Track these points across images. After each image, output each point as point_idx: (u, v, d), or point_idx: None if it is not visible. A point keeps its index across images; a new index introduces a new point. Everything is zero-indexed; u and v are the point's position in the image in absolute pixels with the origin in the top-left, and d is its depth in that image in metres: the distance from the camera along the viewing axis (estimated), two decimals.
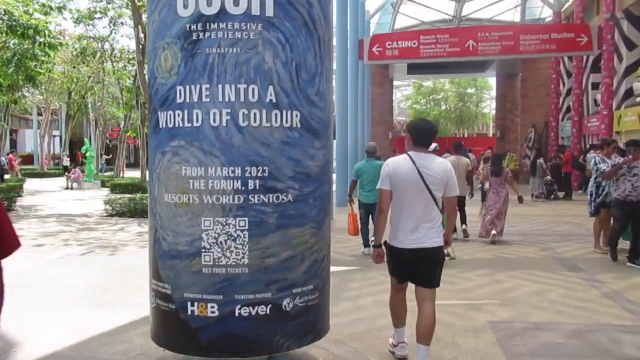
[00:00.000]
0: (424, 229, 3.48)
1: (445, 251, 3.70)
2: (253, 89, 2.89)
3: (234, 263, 2.92)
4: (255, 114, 2.90)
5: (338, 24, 14.68)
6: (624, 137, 15.86)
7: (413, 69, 28.55)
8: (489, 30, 17.48)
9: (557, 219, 11.78)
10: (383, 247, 3.63)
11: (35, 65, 13.97)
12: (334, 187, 13.03)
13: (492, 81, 37.65)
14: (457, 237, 8.86)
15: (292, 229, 3.03)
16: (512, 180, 8.90)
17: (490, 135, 47.28)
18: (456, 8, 22.76)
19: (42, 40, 12.76)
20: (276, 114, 2.94)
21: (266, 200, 2.94)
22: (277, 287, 3.00)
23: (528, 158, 21.48)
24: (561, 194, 16.15)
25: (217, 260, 2.93)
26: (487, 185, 8.74)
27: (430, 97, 54.89)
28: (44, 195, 18.66)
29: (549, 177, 15.76)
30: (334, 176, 15.54)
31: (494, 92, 36.86)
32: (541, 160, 15.95)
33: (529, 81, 24.05)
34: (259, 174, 2.92)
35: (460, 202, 8.87)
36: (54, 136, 42.04)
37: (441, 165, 3.55)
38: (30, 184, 22.75)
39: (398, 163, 3.58)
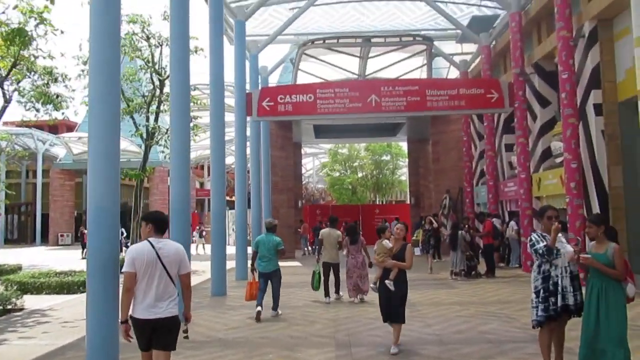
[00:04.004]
0: (162, 302, 4.16)
1: (183, 328, 4.34)
2: None
3: None
4: None
5: (213, 72, 11.96)
6: (545, 202, 14.03)
7: (320, 132, 26.53)
8: (392, 84, 15.52)
9: (482, 309, 9.16)
10: (129, 322, 4.17)
11: None
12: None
13: (405, 147, 36.54)
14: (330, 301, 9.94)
15: None
16: (366, 247, 10.12)
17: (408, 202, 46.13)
18: (360, 66, 21.11)
19: None
20: None
21: None
22: None
23: (445, 227, 19.35)
24: (482, 269, 13.87)
25: None
26: (345, 252, 10.13)
27: (347, 165, 53.68)
28: None
29: (469, 252, 13.45)
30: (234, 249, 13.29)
31: None
32: (463, 232, 13.60)
33: (440, 144, 22.51)
34: None
35: (335, 268, 10.14)
36: None
37: (175, 248, 4.33)
38: None
39: (142, 249, 4.20)
